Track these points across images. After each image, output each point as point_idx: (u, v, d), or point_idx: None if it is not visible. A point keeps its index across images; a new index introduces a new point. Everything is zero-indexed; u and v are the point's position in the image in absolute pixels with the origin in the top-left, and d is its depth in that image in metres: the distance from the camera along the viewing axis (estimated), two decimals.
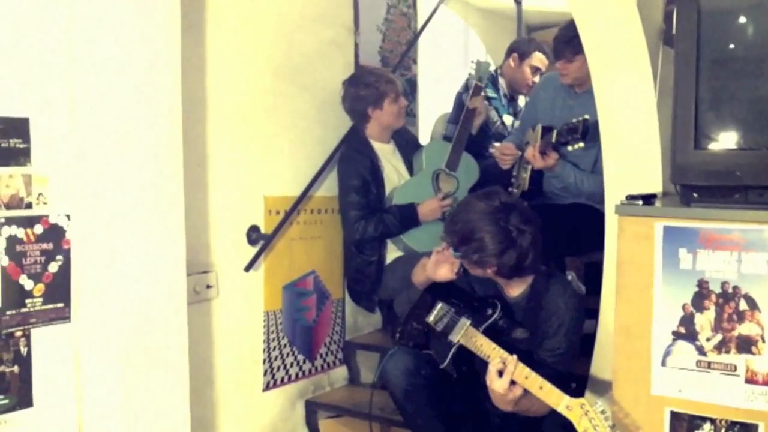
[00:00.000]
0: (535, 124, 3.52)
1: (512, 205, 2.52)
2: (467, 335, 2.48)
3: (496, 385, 2.26)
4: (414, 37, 4.39)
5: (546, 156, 3.20)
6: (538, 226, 2.50)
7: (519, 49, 4.27)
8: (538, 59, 4.23)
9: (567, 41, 3.24)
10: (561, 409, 2.15)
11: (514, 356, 2.27)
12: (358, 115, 3.58)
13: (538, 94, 3.65)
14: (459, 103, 4.19)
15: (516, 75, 4.26)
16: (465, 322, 2.51)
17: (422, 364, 2.57)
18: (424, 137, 4.47)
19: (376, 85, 3.51)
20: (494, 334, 2.44)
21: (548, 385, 2.20)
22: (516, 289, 2.62)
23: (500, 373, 2.26)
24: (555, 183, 3.41)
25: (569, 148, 3.06)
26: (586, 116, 2.95)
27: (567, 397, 2.15)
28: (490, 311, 2.52)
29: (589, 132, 2.93)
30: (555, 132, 3.13)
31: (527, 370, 2.25)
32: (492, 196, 2.55)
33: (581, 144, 2.98)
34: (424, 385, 2.55)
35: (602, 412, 2.08)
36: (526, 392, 2.26)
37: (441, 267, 2.66)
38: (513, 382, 2.24)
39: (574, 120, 3.02)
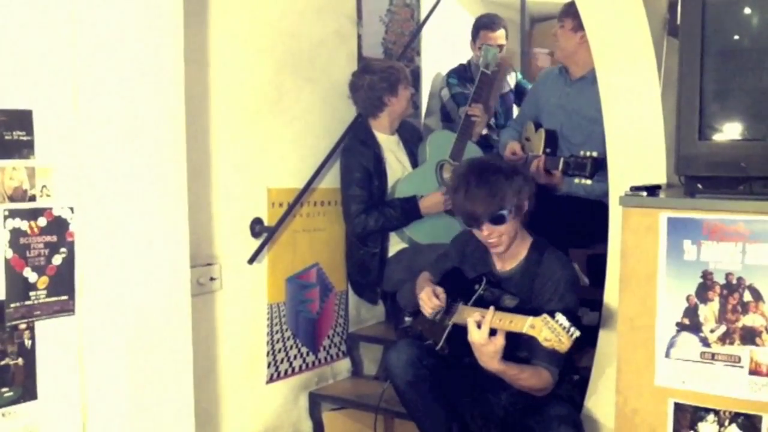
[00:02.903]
0: (535, 115, 3.51)
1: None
2: (458, 314, 2.55)
3: (476, 336, 2.33)
4: (417, 29, 4.37)
5: (551, 175, 3.18)
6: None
7: (472, 34, 4.27)
8: (487, 38, 4.17)
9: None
10: (526, 330, 2.25)
11: (491, 308, 2.36)
12: (372, 105, 3.54)
13: (537, 88, 3.65)
14: (441, 107, 4.27)
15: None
16: (458, 305, 2.58)
17: (425, 354, 2.58)
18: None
19: (390, 71, 3.51)
20: (484, 305, 2.47)
21: (516, 317, 2.31)
22: (510, 263, 2.64)
23: (479, 326, 2.34)
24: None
25: (576, 180, 3.01)
26: (594, 153, 2.91)
27: (530, 318, 2.25)
28: (476, 286, 2.59)
29: (598, 170, 2.88)
30: (562, 161, 3.08)
31: (500, 314, 2.34)
32: (472, 159, 2.73)
33: (588, 182, 2.94)
34: (426, 375, 2.56)
35: (560, 324, 2.19)
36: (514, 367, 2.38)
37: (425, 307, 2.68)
38: (493, 334, 2.31)
39: (581, 154, 2.97)
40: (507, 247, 2.59)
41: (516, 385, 2.46)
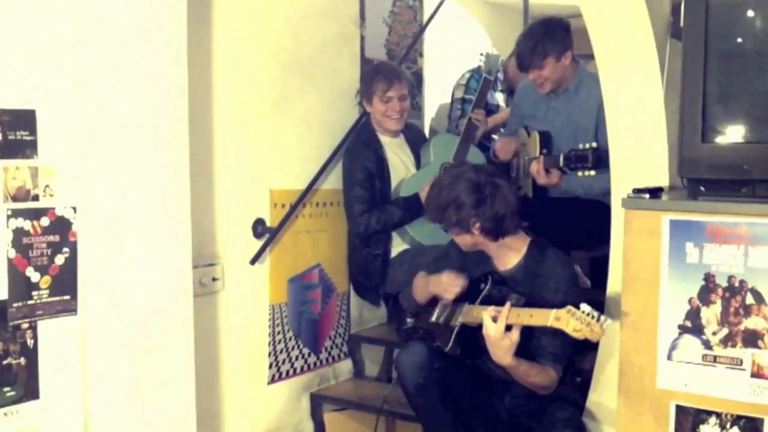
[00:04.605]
0: (521, 125, 3.51)
1: (480, 166, 2.67)
2: (466, 313, 2.55)
3: (492, 330, 2.33)
4: (420, 30, 4.38)
5: (550, 174, 3.18)
6: (511, 184, 2.65)
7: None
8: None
9: (531, 50, 3.20)
10: (551, 323, 2.24)
11: (508, 303, 2.37)
12: (362, 107, 3.59)
13: (520, 101, 3.62)
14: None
15: (518, 74, 4.22)
16: (463, 306, 2.58)
17: (435, 357, 2.58)
18: (428, 130, 4.47)
19: (370, 78, 3.50)
20: (491, 304, 2.47)
21: (536, 311, 2.31)
22: (510, 261, 2.65)
23: (494, 320, 2.34)
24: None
25: (579, 173, 3.01)
26: (594, 144, 2.92)
27: (554, 311, 2.24)
28: (482, 285, 2.60)
29: (601, 160, 2.86)
30: (562, 156, 3.08)
31: (517, 309, 2.35)
32: (460, 166, 2.74)
33: (592, 173, 2.94)
34: (436, 378, 2.56)
35: (588, 314, 2.17)
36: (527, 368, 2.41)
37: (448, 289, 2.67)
38: (508, 329, 2.32)
39: (581, 146, 2.97)
40: (470, 248, 2.65)
41: (524, 382, 2.47)
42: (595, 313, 2.17)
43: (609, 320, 2.17)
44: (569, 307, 2.21)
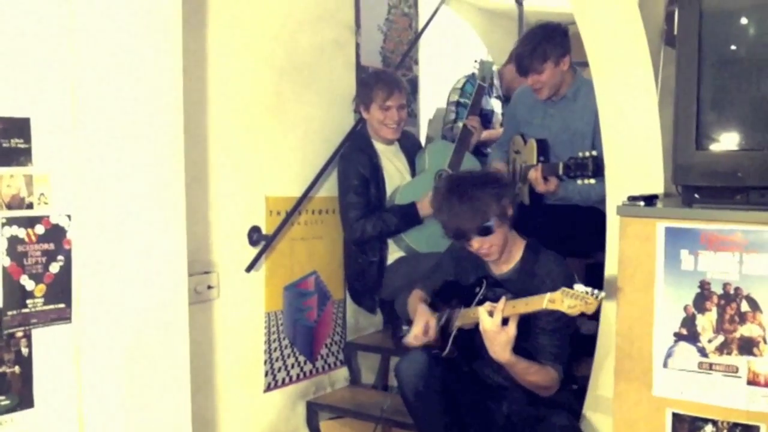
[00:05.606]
0: (519, 131, 3.51)
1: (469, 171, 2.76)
2: (462, 317, 2.57)
3: (488, 324, 2.33)
4: (415, 38, 4.38)
5: (548, 181, 3.18)
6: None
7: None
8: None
9: (530, 53, 3.21)
10: (546, 305, 2.23)
11: (503, 297, 2.36)
12: (359, 113, 3.59)
13: (516, 107, 3.62)
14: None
15: (515, 81, 4.23)
16: (459, 311, 2.60)
17: (435, 365, 2.58)
18: (425, 138, 4.47)
19: (370, 85, 3.50)
20: None
21: (531, 298, 2.30)
22: (506, 265, 2.66)
23: (491, 315, 2.34)
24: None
25: (578, 182, 3.01)
26: (594, 152, 2.92)
27: (548, 294, 2.24)
28: (477, 289, 2.61)
29: (600, 168, 2.85)
30: (561, 164, 3.08)
31: (512, 301, 2.34)
32: (450, 176, 2.86)
33: (592, 181, 2.93)
34: (436, 386, 2.56)
35: (581, 290, 2.16)
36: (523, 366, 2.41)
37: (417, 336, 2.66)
38: (505, 323, 2.32)
39: (580, 155, 2.97)
40: (500, 255, 2.61)
41: (523, 381, 2.47)
42: (589, 289, 2.16)
43: (603, 294, 2.16)
44: (563, 288, 2.21)
